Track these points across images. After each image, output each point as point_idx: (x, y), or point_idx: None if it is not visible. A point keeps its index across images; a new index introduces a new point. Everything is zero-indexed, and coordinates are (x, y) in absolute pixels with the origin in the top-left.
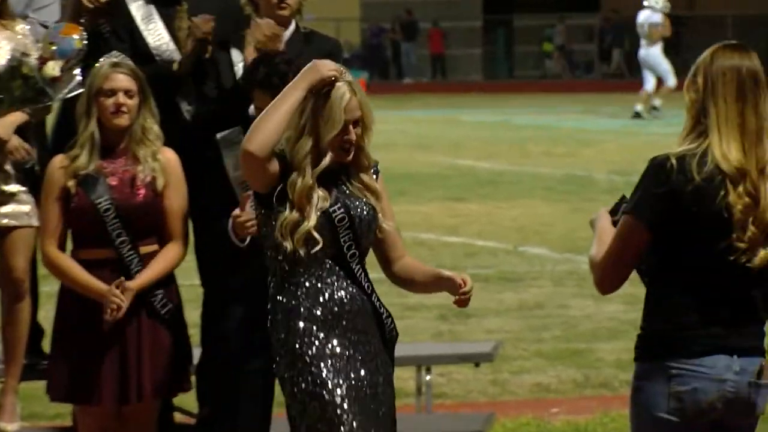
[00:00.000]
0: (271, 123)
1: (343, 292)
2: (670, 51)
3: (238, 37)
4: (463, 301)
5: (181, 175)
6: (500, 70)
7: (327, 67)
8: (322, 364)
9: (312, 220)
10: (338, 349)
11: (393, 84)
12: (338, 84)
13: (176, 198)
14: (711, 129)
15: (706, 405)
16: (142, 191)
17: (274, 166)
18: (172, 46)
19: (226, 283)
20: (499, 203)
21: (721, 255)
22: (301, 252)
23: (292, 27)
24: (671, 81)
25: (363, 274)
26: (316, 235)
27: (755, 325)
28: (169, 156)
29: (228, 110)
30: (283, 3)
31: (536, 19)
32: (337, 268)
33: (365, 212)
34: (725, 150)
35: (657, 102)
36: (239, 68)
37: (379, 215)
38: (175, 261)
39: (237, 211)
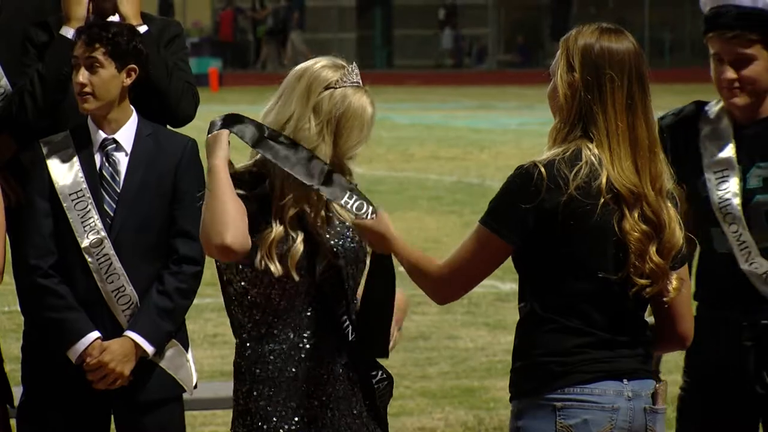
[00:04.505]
0: (231, 208)
1: (323, 350)
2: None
3: (58, 19)
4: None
5: None
6: (378, 57)
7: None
8: None
9: (300, 242)
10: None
11: (252, 74)
12: (359, 92)
13: None
14: (600, 143)
15: None
16: None
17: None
18: None
19: None
20: None
21: (611, 280)
22: (295, 276)
23: None
24: None
25: (349, 324)
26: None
27: (641, 346)
28: None
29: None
30: None
31: None
32: (321, 318)
33: (349, 240)
34: (618, 170)
35: None
36: None
37: (365, 243)
38: None
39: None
